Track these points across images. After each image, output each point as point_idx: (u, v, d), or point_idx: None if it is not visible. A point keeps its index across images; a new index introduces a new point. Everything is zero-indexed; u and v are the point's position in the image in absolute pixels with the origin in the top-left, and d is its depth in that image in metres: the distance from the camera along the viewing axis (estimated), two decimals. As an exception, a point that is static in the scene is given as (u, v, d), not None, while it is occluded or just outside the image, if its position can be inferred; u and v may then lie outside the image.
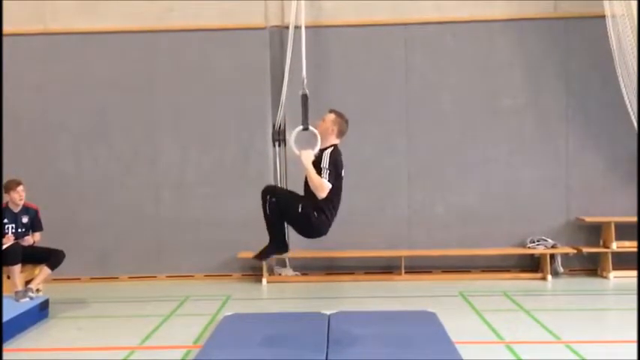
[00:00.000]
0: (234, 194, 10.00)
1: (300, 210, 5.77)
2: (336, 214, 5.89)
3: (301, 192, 5.93)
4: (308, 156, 5.73)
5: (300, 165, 5.82)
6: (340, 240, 9.89)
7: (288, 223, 5.97)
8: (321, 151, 5.86)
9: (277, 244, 6.00)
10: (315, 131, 5.98)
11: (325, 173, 5.69)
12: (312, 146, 5.86)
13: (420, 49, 10.07)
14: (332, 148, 5.87)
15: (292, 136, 5.95)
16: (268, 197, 5.85)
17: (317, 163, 5.77)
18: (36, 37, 10.08)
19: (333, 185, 5.71)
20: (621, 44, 9.02)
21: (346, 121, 6.03)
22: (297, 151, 5.83)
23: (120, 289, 9.60)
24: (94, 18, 10.08)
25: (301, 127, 6.09)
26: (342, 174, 5.89)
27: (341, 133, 6.01)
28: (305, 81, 6.55)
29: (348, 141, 9.72)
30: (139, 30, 10.05)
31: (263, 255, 6.11)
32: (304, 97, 6.28)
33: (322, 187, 5.66)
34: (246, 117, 10.06)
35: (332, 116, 6.00)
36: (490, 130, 10.05)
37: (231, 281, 9.99)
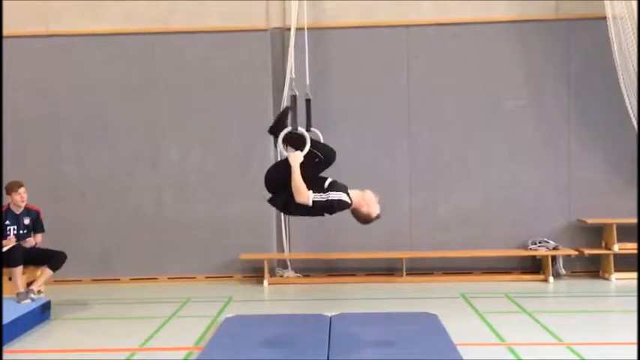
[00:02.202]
0: (236, 195, 10.01)
1: (288, 176, 5.63)
2: (285, 213, 5.83)
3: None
4: (296, 157, 5.70)
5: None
6: (341, 241, 9.95)
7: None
8: (346, 191, 5.65)
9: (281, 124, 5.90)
10: (305, 133, 5.94)
11: (321, 194, 5.54)
12: (301, 147, 5.82)
13: (422, 50, 10.07)
14: (348, 200, 5.61)
15: (280, 137, 5.92)
16: (310, 145, 5.70)
17: (329, 185, 5.63)
18: (37, 39, 10.10)
19: (310, 206, 5.55)
20: (622, 45, 9.02)
21: (371, 219, 5.78)
22: (285, 153, 5.82)
23: (121, 291, 9.61)
24: (95, 20, 10.09)
25: (290, 128, 6.06)
26: (325, 214, 5.71)
27: (359, 216, 5.76)
28: (293, 82, 6.53)
29: (349, 142, 9.88)
30: (140, 32, 10.07)
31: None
32: (293, 99, 6.26)
33: (303, 195, 5.53)
34: (247, 118, 10.06)
35: (376, 212, 5.74)
36: (491, 132, 10.05)
37: (232, 283, 9.99)
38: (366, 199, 5.72)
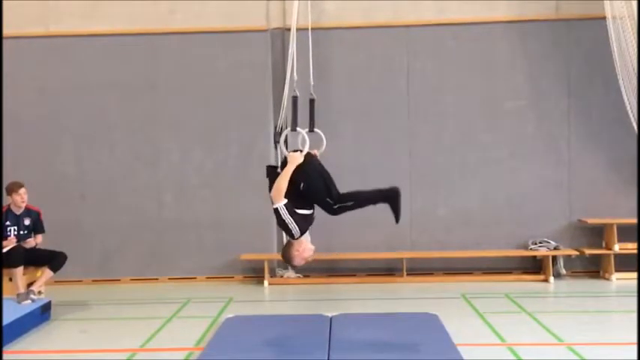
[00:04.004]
0: (236, 196, 10.01)
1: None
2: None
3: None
4: (295, 159, 5.68)
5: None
6: (342, 242, 9.95)
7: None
8: (305, 231, 5.62)
9: (389, 196, 5.75)
10: (304, 133, 5.95)
11: (288, 211, 5.49)
12: (303, 147, 5.82)
13: (422, 51, 10.07)
14: (295, 236, 5.55)
15: (282, 137, 5.93)
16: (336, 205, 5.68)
17: (301, 215, 5.57)
18: (38, 40, 10.10)
19: (275, 208, 5.52)
20: (621, 46, 9.02)
21: (288, 259, 5.81)
22: (286, 152, 5.82)
23: (122, 292, 9.61)
24: (95, 20, 10.10)
25: (289, 128, 6.07)
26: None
27: (287, 249, 5.76)
28: (295, 83, 6.52)
29: (349, 142, 9.89)
30: (140, 32, 10.08)
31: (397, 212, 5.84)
32: (294, 99, 6.26)
33: (276, 197, 5.49)
34: (247, 119, 10.07)
35: (295, 262, 5.79)
36: (492, 132, 10.05)
37: (233, 283, 9.99)
38: (304, 251, 5.71)
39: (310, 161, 5.72)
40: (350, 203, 5.72)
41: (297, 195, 5.60)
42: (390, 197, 5.76)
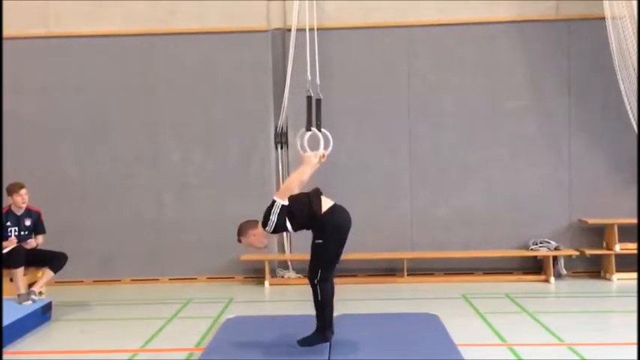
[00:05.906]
0: (237, 196, 10.01)
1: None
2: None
3: None
4: (309, 159, 5.71)
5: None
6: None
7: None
8: (271, 233, 5.79)
9: (324, 333, 5.96)
10: (318, 132, 5.99)
11: (282, 211, 5.62)
12: (316, 147, 5.85)
13: (423, 51, 10.07)
14: (268, 229, 5.74)
15: (297, 137, 5.98)
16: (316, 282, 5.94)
17: (277, 222, 5.68)
18: (39, 40, 10.10)
19: (274, 200, 5.67)
20: (621, 46, 9.02)
21: (240, 235, 5.97)
22: (302, 152, 5.86)
23: (122, 292, 9.61)
24: (95, 21, 10.10)
25: (303, 129, 6.11)
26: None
27: (248, 225, 5.92)
28: (309, 83, 6.55)
29: (349, 142, 9.88)
30: (141, 33, 10.08)
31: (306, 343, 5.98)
32: (309, 99, 6.29)
33: (284, 193, 5.64)
34: (248, 119, 10.07)
35: (241, 238, 5.96)
36: (492, 132, 10.04)
37: (233, 284, 9.99)
38: (257, 241, 5.94)
39: (345, 237, 5.92)
40: (318, 296, 6.06)
41: (304, 224, 5.79)
42: (321, 333, 5.98)
